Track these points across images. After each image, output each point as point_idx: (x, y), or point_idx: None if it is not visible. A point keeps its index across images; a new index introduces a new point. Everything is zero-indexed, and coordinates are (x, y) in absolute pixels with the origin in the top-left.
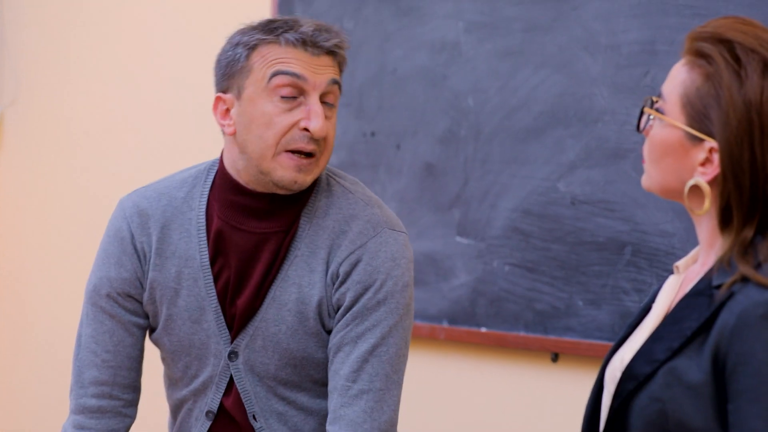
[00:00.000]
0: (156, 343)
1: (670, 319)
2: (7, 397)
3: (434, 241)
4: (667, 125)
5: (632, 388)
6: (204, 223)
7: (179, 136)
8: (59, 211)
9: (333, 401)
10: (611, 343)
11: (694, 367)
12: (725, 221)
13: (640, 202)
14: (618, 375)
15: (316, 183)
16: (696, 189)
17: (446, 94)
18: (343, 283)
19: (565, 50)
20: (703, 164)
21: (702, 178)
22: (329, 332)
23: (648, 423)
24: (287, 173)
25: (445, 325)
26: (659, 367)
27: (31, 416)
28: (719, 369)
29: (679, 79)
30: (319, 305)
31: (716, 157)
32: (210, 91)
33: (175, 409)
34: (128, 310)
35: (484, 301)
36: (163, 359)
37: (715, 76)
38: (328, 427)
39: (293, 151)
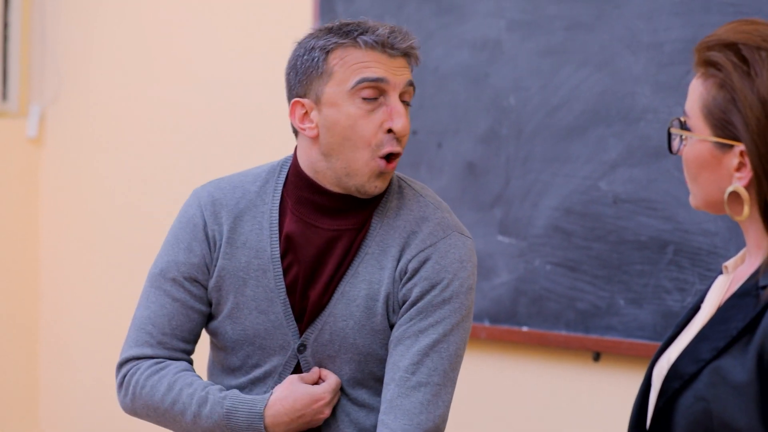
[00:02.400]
0: (215, 331)
1: (716, 319)
2: (52, 404)
3: (476, 240)
4: (696, 141)
5: (678, 387)
6: (277, 217)
7: (221, 132)
8: (101, 208)
9: (389, 392)
10: (653, 343)
11: (738, 367)
12: None
13: (682, 200)
14: (665, 374)
15: (388, 185)
16: (736, 196)
17: (488, 93)
18: (410, 279)
19: (607, 48)
20: (738, 169)
21: (739, 183)
22: (393, 327)
23: (692, 422)
24: (372, 181)
25: (487, 324)
26: (704, 366)
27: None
28: (764, 369)
29: (696, 93)
30: (387, 301)
31: (747, 159)
32: (250, 93)
33: None
34: (193, 295)
35: (525, 300)
36: (220, 348)
37: (726, 81)
38: (382, 416)
39: (381, 156)
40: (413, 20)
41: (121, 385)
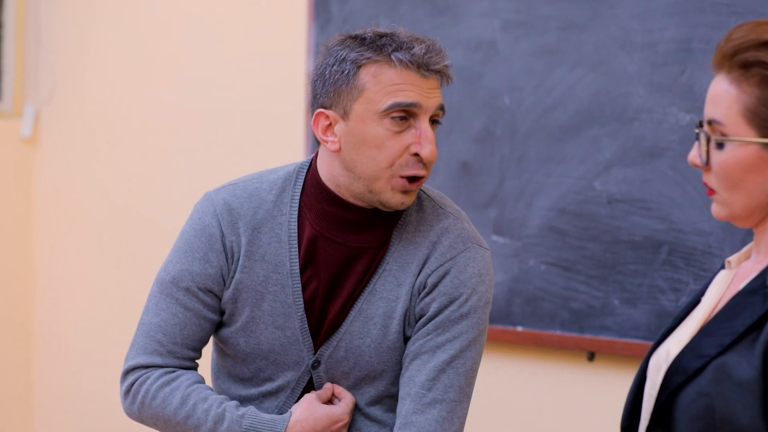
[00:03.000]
0: (225, 340)
1: (721, 315)
2: (46, 405)
3: None
4: (737, 146)
5: (680, 381)
6: (296, 231)
7: (216, 133)
8: (96, 208)
9: (405, 407)
10: (647, 342)
11: (744, 364)
12: None
13: (676, 201)
14: (663, 366)
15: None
16: None
17: (482, 93)
18: (429, 293)
19: (601, 49)
20: None
21: None
22: (407, 340)
23: (694, 417)
24: (396, 197)
25: None
26: (709, 362)
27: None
28: None
29: (731, 98)
30: (404, 317)
31: None
32: (245, 93)
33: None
34: (206, 305)
35: (520, 300)
36: (229, 356)
37: None
38: (396, 431)
39: (403, 176)
40: (407, 21)
41: (127, 392)
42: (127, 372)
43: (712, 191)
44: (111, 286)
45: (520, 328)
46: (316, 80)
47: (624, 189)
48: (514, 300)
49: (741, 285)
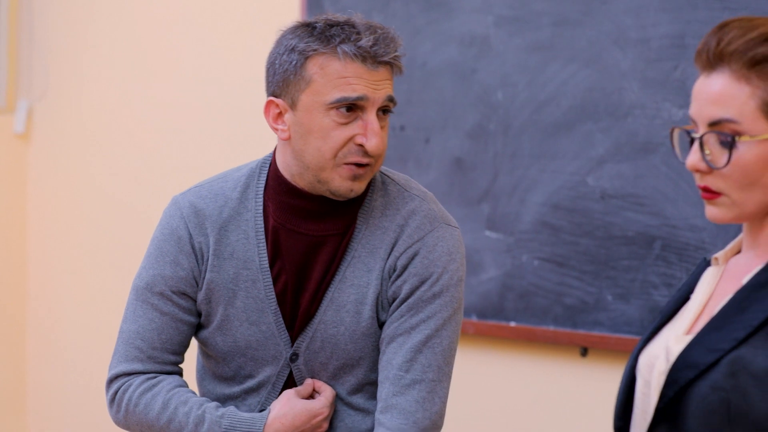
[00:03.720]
0: (205, 341)
1: (729, 310)
2: (39, 401)
3: (463, 236)
4: (755, 143)
5: (692, 376)
6: (262, 225)
7: (210, 129)
8: (89, 204)
9: (384, 390)
10: (640, 338)
11: (760, 356)
12: None
13: (669, 196)
14: (657, 363)
15: (370, 183)
16: None
17: (475, 89)
18: (399, 275)
19: (594, 44)
20: None
21: None
22: (382, 325)
23: (709, 412)
24: (344, 183)
25: (475, 319)
26: (722, 356)
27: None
28: None
29: (744, 96)
30: (376, 301)
31: None
32: (239, 89)
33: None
34: (181, 308)
35: (513, 296)
36: (210, 357)
37: None
38: (378, 415)
39: (348, 164)
40: (400, 16)
41: (112, 401)
42: (110, 381)
43: (715, 194)
44: (104, 282)
45: (513, 324)
46: (268, 68)
47: (617, 184)
48: (507, 295)
49: (744, 279)
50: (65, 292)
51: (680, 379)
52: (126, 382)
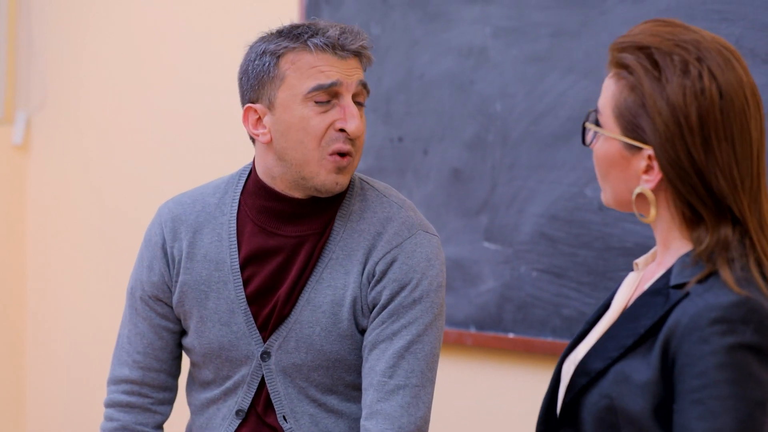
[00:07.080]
0: (187, 348)
1: (625, 317)
2: (38, 405)
3: (461, 247)
4: (606, 138)
5: (585, 383)
6: (235, 228)
7: (208, 139)
8: (88, 215)
9: (368, 397)
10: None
11: (644, 365)
12: (694, 221)
13: None
14: (570, 370)
15: (349, 187)
16: (643, 197)
17: (473, 100)
18: (379, 281)
19: (592, 55)
20: (646, 172)
21: (646, 185)
22: (363, 332)
23: (598, 418)
24: (330, 177)
25: (473, 330)
26: (611, 364)
27: (62, 419)
28: (668, 367)
29: (609, 91)
30: (354, 305)
31: (656, 163)
32: (236, 100)
33: (201, 409)
34: (159, 313)
35: (511, 307)
36: (194, 363)
37: (637, 85)
38: (363, 422)
39: (332, 154)
40: (399, 27)
41: (104, 405)
42: (108, 384)
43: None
44: (103, 291)
45: (511, 335)
46: (241, 78)
47: None
48: (505, 307)
49: (646, 285)
50: (64, 302)
51: (576, 386)
52: (107, 412)
